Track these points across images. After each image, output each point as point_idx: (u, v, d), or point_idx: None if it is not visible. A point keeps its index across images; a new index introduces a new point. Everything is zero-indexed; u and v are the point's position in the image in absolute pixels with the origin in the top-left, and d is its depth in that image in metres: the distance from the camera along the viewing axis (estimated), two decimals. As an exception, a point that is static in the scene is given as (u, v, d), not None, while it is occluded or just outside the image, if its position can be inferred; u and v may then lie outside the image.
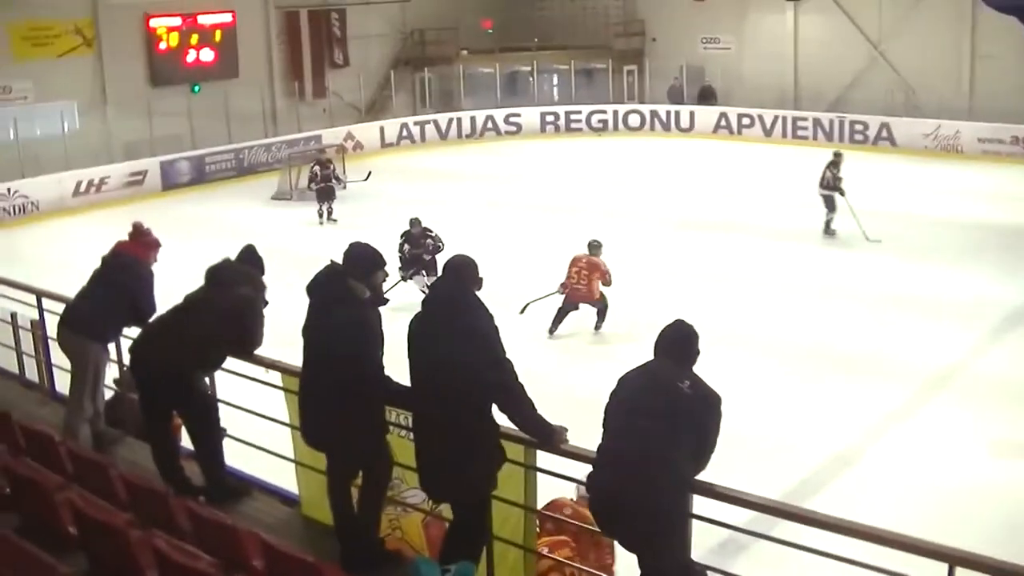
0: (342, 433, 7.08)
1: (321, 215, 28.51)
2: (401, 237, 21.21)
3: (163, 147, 34.53)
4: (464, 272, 6.79)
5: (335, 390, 7.00)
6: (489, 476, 6.72)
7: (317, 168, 28.87)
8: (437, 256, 20.35)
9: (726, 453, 6.59)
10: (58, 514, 6.50)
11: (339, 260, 7.26)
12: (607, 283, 18.83)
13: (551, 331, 18.90)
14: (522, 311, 18.49)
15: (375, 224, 26.15)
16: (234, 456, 8.73)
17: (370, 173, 28.82)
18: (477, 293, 6.74)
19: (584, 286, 18.71)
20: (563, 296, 18.93)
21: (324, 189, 28.54)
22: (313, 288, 7.28)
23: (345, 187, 28.80)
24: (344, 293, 7.09)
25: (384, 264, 7.32)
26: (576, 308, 19.00)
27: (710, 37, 43.20)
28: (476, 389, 6.55)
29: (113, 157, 33.75)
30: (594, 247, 19.08)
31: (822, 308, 20.07)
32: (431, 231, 21.31)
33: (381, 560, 7.22)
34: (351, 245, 7.30)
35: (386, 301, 7.21)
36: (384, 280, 7.32)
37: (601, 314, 18.98)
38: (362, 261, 7.22)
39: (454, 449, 6.57)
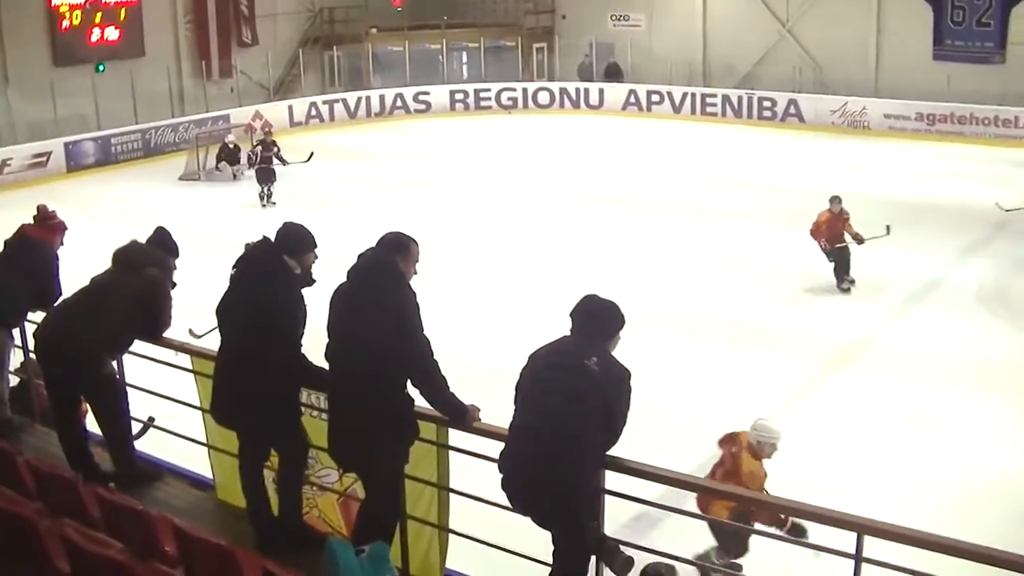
0: (255, 410, 7.04)
1: (262, 197, 27.72)
2: (256, 144, 24.11)
3: (68, 128, 33.87)
4: (392, 246, 6.78)
5: (252, 367, 6.97)
6: (400, 449, 6.73)
7: (259, 148, 28.32)
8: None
9: (638, 428, 6.63)
10: (-37, 504, 6.39)
11: (270, 237, 7.23)
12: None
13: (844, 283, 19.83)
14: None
15: (287, 204, 26.06)
16: (145, 441, 8.65)
17: (312, 154, 28.43)
18: (402, 268, 6.71)
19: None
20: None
21: (265, 170, 27.92)
22: (246, 262, 7.21)
23: (286, 164, 28.16)
24: (279, 269, 7.06)
25: (316, 245, 7.30)
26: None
27: (620, 14, 43.36)
28: (392, 363, 6.55)
29: (16, 138, 33.06)
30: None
31: (732, 283, 20.27)
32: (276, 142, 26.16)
33: (303, 541, 7.19)
34: (286, 224, 7.28)
35: (314, 281, 7.19)
36: (315, 261, 7.29)
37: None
38: (299, 240, 7.22)
39: (367, 420, 6.57)
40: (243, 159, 31.01)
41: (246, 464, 7.31)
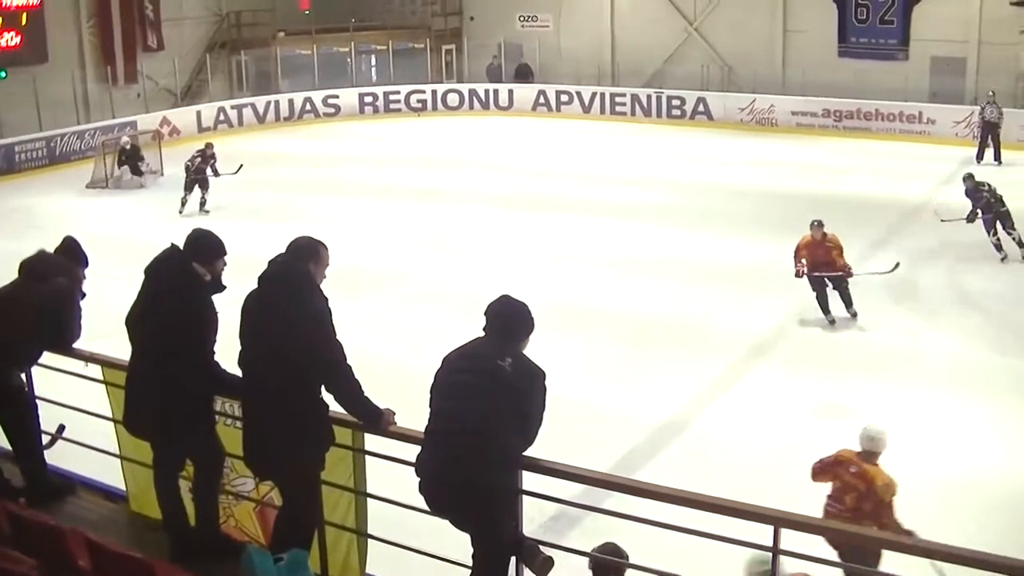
0: (169, 420, 6.97)
1: (184, 203, 27.10)
2: (196, 155, 26.33)
3: (-31, 136, 33.35)
4: (301, 251, 6.74)
5: (164, 376, 6.89)
6: (316, 455, 6.70)
7: (199, 158, 27.47)
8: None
9: (554, 427, 6.65)
10: None
11: (179, 244, 7.15)
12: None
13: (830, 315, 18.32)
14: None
15: (193, 210, 25.84)
16: (55, 453, 8.52)
17: (241, 166, 28.13)
18: (312, 273, 6.68)
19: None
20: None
21: (197, 180, 27.26)
22: (155, 269, 7.13)
23: (218, 175, 27.74)
24: (188, 276, 6.98)
25: (226, 252, 7.23)
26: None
27: (528, 15, 43.53)
28: (305, 369, 6.51)
29: (-86, 148, 32.48)
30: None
31: (646, 282, 20.39)
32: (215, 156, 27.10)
33: (221, 551, 7.13)
34: (195, 231, 7.19)
35: (225, 288, 7.14)
36: (224, 268, 7.23)
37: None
38: (208, 247, 7.13)
39: (281, 427, 6.52)
40: (147, 162, 30.75)
41: (161, 474, 7.23)
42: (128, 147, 31.38)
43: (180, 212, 26.92)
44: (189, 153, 27.98)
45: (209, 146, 28.13)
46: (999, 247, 21.26)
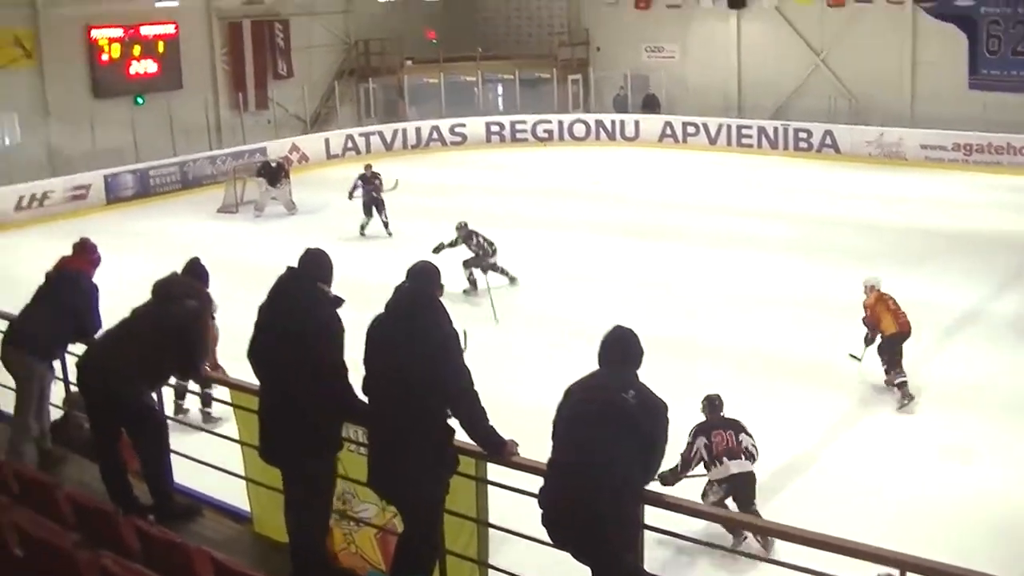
0: (307, 448, 7.05)
1: (364, 227, 27.78)
2: (356, 180, 27.26)
3: (106, 160, 34.13)
4: (427, 277, 6.82)
5: (303, 399, 6.96)
6: (441, 480, 6.72)
7: (360, 181, 28.13)
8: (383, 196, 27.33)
9: (675, 461, 6.60)
10: (4, 536, 6.40)
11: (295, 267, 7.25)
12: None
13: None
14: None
15: (327, 233, 26.10)
16: (184, 473, 8.66)
17: (397, 182, 28.55)
18: (439, 298, 6.75)
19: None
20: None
21: (376, 201, 27.85)
22: (282, 293, 7.23)
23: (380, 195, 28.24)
24: (317, 296, 7.09)
25: None
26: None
27: (654, 46, 43.43)
28: (433, 393, 6.57)
29: (56, 171, 33.37)
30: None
31: (769, 316, 20.17)
32: (379, 174, 27.37)
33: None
34: (311, 251, 7.29)
35: (343, 302, 7.22)
36: None
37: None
38: (328, 266, 7.26)
39: (409, 452, 6.57)
40: (288, 182, 31.42)
41: (293, 501, 7.31)
42: (273, 164, 31.93)
43: (362, 234, 27.59)
44: (317, 179, 28.40)
45: (368, 167, 28.71)
46: None
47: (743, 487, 12.12)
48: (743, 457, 12.26)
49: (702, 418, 12.73)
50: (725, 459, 12.01)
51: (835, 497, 13.12)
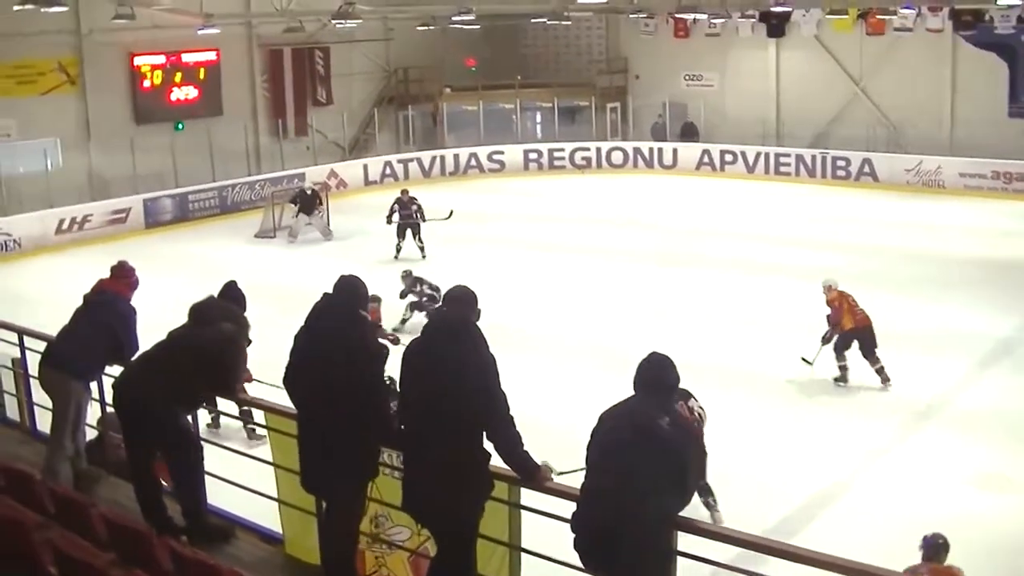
0: (345, 473, 7.10)
1: (399, 249, 28.11)
2: (393, 204, 27.65)
3: (146, 184, 34.49)
4: (465, 302, 6.85)
5: (344, 426, 6.99)
6: (477, 504, 6.73)
7: (396, 206, 28.47)
8: (421, 221, 27.80)
9: (713, 488, 6.56)
10: (38, 554, 6.43)
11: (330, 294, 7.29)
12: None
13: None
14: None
15: (364, 259, 26.22)
16: (216, 494, 8.69)
17: (452, 212, 28.87)
18: (477, 323, 6.77)
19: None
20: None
21: (411, 225, 28.26)
22: (319, 320, 7.27)
23: (425, 220, 28.56)
24: (359, 322, 7.16)
25: None
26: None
27: (693, 74, 43.43)
28: (471, 419, 6.58)
29: (96, 194, 33.73)
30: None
31: (806, 343, 20.05)
32: (416, 199, 27.84)
33: None
34: (347, 277, 7.35)
35: (380, 328, 7.30)
36: None
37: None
38: (365, 292, 7.34)
39: (445, 475, 6.58)
40: (323, 209, 31.57)
41: (330, 527, 7.33)
42: (308, 192, 32.06)
43: (396, 257, 27.70)
44: (355, 205, 28.55)
45: (405, 192, 29.04)
46: None
47: None
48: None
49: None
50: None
51: (867, 524, 13.03)
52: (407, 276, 21.49)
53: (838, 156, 38.31)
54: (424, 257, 27.70)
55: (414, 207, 28.33)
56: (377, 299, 16.85)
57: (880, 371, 17.92)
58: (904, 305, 22.21)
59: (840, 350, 18.26)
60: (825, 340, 18.43)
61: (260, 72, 40.08)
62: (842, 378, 18.25)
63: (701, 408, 12.81)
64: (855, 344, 18.13)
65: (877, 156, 37.59)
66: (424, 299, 20.98)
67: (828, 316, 18.47)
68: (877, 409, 16.89)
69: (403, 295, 21.19)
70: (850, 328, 18.13)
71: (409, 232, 28.22)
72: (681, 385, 6.56)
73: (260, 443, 10.41)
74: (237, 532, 8.53)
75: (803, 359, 18.62)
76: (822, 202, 34.96)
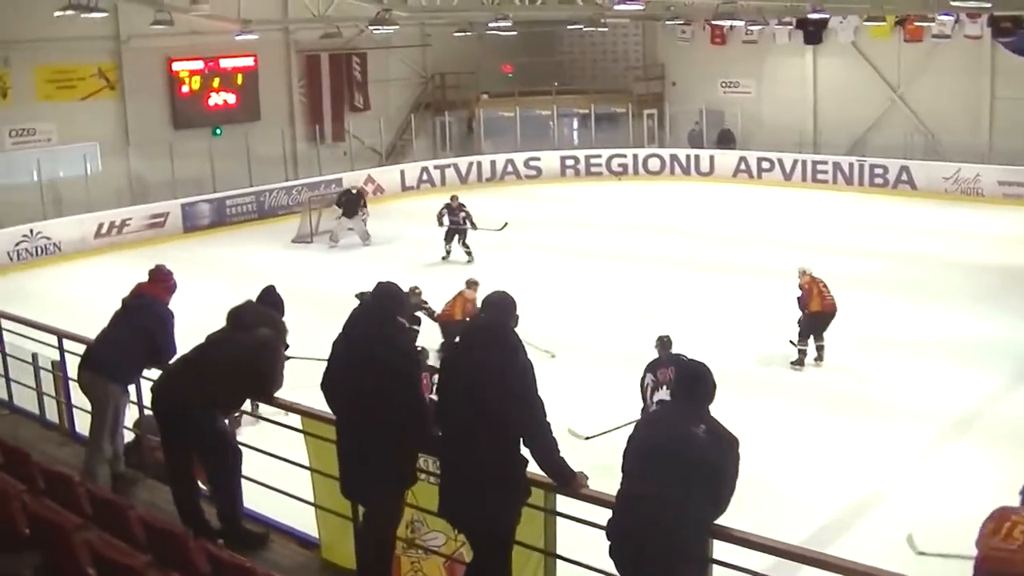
0: (384, 479, 7.12)
1: (448, 252, 28.66)
2: (442, 208, 28.05)
3: (184, 189, 34.76)
4: (503, 308, 6.85)
5: (383, 432, 7.00)
6: (514, 508, 6.74)
7: (446, 211, 28.86)
8: (468, 226, 28.24)
9: (746, 497, 6.55)
10: (77, 555, 6.49)
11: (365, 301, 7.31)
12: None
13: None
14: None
15: (400, 264, 26.26)
16: (253, 497, 8.72)
17: (506, 224, 29.11)
18: (515, 329, 6.79)
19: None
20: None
21: (459, 231, 28.75)
22: (357, 327, 7.30)
23: (476, 229, 28.99)
24: (397, 327, 7.21)
25: None
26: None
27: (730, 81, 43.33)
28: (508, 425, 6.59)
29: (135, 199, 34.01)
30: None
31: (842, 353, 19.97)
32: (464, 206, 28.23)
33: None
34: (384, 284, 7.37)
35: (417, 332, 7.32)
36: None
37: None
38: (400, 298, 7.37)
39: (483, 480, 6.60)
40: (367, 211, 31.72)
41: (368, 534, 7.36)
42: (353, 191, 32.30)
43: (444, 259, 28.35)
44: (392, 211, 28.65)
45: (454, 198, 29.33)
46: None
47: None
48: None
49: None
50: (664, 387, 13.94)
51: (901, 534, 12.94)
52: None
53: (875, 164, 38.09)
54: (471, 261, 28.12)
55: (462, 214, 28.75)
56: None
57: (820, 348, 19.38)
58: (941, 313, 22.11)
59: (804, 335, 19.39)
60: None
61: (297, 78, 40.27)
62: (798, 362, 19.32)
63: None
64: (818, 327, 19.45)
65: (915, 164, 37.35)
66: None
67: (798, 299, 19.52)
68: (912, 419, 16.77)
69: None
70: (816, 311, 19.30)
71: (456, 237, 28.63)
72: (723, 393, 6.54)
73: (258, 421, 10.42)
74: (273, 536, 8.57)
75: (791, 342, 19.40)
76: (859, 210, 34.76)
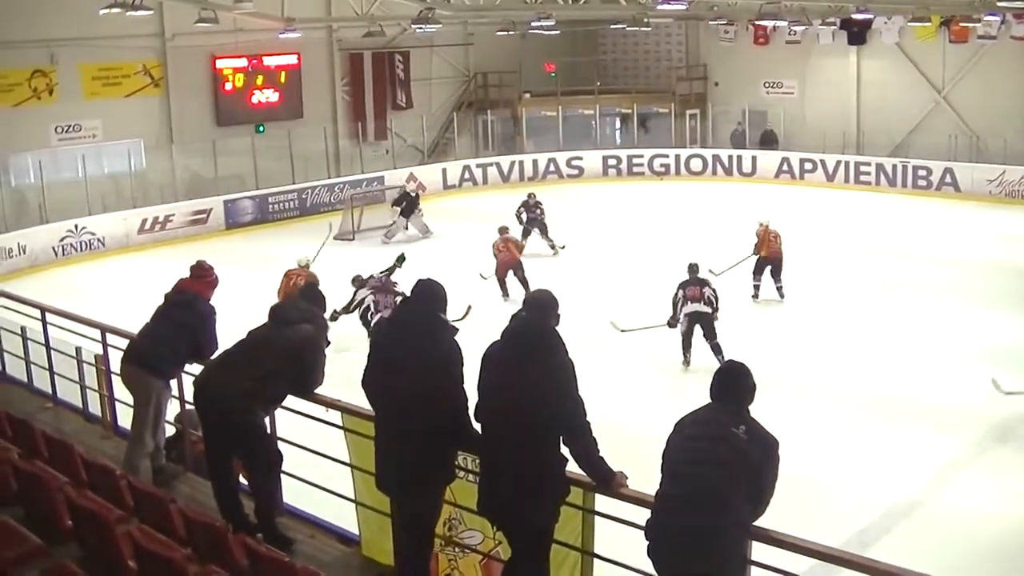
0: (423, 477, 7.10)
1: (553, 247, 29.39)
2: (519, 206, 29.46)
3: (227, 186, 34.98)
4: (545, 307, 6.86)
5: (424, 430, 6.98)
6: (553, 507, 6.74)
7: (523, 208, 29.61)
8: (546, 221, 29.53)
9: (786, 498, 6.53)
10: (118, 547, 6.54)
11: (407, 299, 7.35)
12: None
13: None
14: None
15: (442, 262, 26.25)
16: (294, 493, 8.76)
17: (564, 246, 29.70)
18: (556, 328, 6.78)
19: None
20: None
21: (539, 226, 29.52)
22: (398, 324, 7.31)
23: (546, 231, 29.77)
24: (435, 327, 7.14)
25: None
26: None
27: (773, 81, 43.16)
28: (548, 424, 6.59)
29: (178, 195, 34.26)
30: None
31: (885, 354, 19.88)
32: (541, 203, 29.60)
33: None
34: (425, 281, 7.35)
35: (458, 330, 7.28)
36: None
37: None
38: (441, 295, 7.29)
39: (523, 480, 6.60)
40: (422, 212, 32.18)
41: (404, 530, 7.38)
42: (413, 193, 32.59)
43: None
44: (434, 209, 28.75)
45: (531, 196, 30.07)
46: None
47: (700, 321, 19.23)
48: (702, 303, 19.17)
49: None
50: (691, 303, 19.15)
51: (942, 539, 12.89)
52: (356, 280, 21.63)
53: (919, 165, 37.81)
54: (556, 253, 29.14)
55: (539, 210, 29.47)
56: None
57: (779, 289, 23.87)
58: (985, 317, 21.94)
59: (757, 273, 23.94)
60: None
61: (340, 76, 40.39)
62: (755, 295, 23.95)
63: (713, 293, 19.31)
64: (768, 269, 23.87)
65: (959, 166, 37.04)
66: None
67: (754, 245, 24.03)
68: (955, 424, 16.64)
69: (346, 309, 20.74)
70: (764, 255, 23.87)
71: (536, 231, 29.31)
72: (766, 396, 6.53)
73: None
74: (314, 532, 8.61)
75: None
76: (902, 212, 34.54)
